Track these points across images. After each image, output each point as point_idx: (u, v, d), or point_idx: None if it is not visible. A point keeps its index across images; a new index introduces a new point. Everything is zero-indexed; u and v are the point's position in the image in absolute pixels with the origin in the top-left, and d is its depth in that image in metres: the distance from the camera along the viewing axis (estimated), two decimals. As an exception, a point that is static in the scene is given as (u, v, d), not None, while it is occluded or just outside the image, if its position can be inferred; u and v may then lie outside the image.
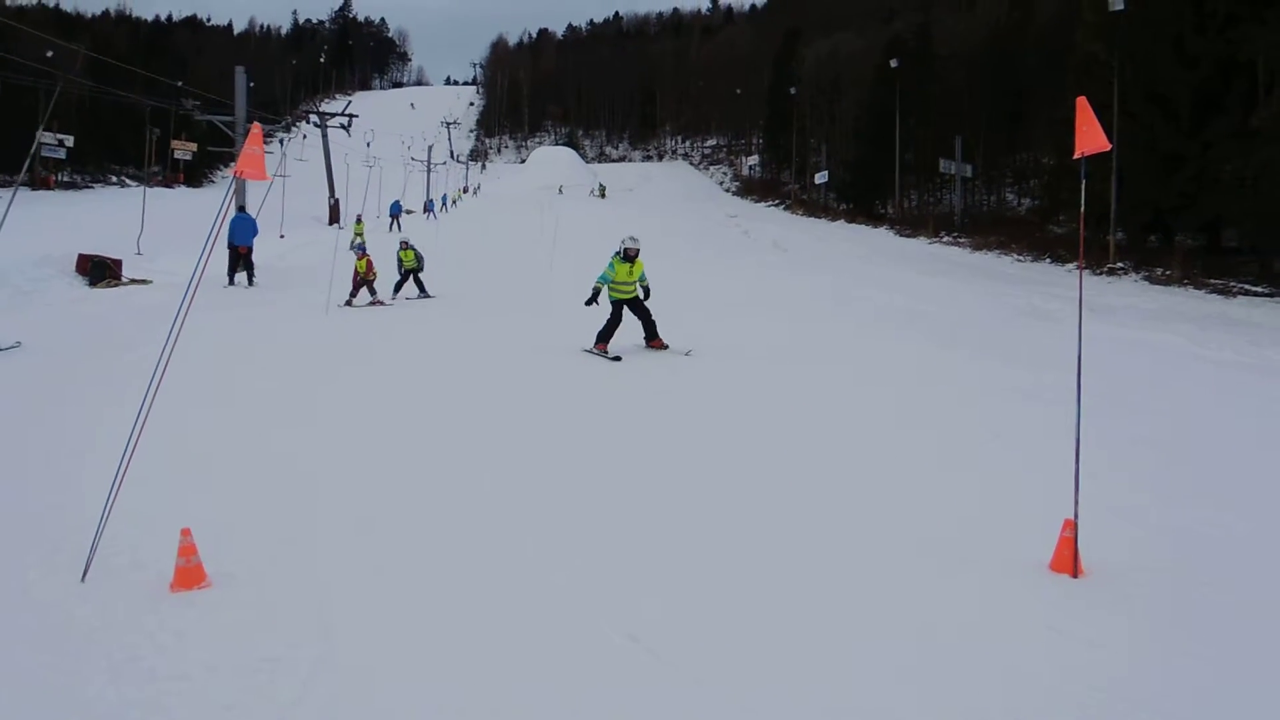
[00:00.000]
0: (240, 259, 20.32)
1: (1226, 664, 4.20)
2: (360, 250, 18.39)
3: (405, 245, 19.24)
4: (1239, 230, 27.86)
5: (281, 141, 54.50)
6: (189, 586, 4.87)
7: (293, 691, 3.95)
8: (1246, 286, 24.09)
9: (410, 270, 18.94)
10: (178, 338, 5.09)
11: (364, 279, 17.88)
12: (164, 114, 48.38)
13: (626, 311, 12.35)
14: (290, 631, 4.44)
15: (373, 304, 17.76)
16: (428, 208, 55.63)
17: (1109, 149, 5.10)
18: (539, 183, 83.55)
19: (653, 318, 12.46)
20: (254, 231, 20.73)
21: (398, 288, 18.78)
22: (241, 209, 21.82)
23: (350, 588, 4.93)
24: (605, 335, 12.15)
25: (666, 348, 12.30)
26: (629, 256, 12.35)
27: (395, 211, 44.64)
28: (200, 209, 21.88)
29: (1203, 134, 27.18)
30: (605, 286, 12.33)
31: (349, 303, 17.52)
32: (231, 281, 20.21)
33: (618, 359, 11.78)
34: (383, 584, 4.99)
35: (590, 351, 12.08)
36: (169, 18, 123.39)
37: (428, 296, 18.84)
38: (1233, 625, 4.58)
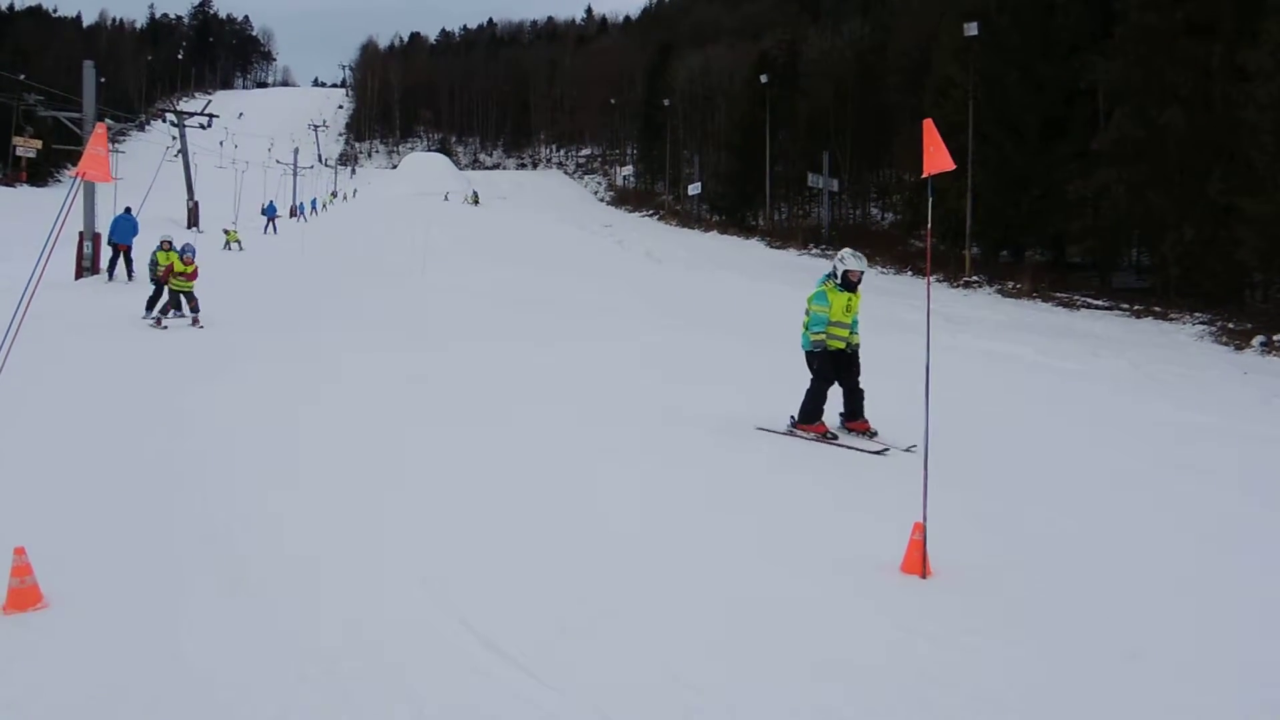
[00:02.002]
0: (120, 255, 21.42)
1: (1060, 657, 4.44)
2: (168, 244, 15.55)
3: (167, 246, 15.75)
4: (1081, 247, 29.64)
5: (115, 142, 51.55)
6: (23, 608, 4.60)
7: (134, 718, 3.78)
8: (1089, 300, 25.65)
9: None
10: (12, 344, 4.82)
11: (176, 291, 14.93)
12: (5, 109, 45.58)
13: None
14: (135, 656, 4.23)
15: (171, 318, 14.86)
16: (298, 210, 54.38)
17: (954, 169, 5.38)
18: (411, 188, 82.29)
19: (860, 384, 8.65)
20: (135, 231, 21.70)
21: (154, 303, 15.24)
22: (127, 210, 22.34)
23: (200, 608, 4.73)
24: (817, 408, 8.46)
25: (874, 435, 8.45)
26: (849, 284, 8.60)
27: (271, 213, 44.05)
28: (44, 208, 20.71)
29: (1048, 155, 28.86)
30: (812, 332, 8.55)
31: (159, 321, 14.76)
32: (111, 277, 21.30)
33: (910, 449, 7.91)
34: (235, 603, 4.82)
35: (799, 436, 8.50)
36: (10, 7, 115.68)
37: (194, 318, 14.93)
38: (1066, 620, 4.86)
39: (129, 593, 4.86)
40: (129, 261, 21.39)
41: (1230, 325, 20.92)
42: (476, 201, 77.22)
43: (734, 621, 4.75)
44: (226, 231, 32.85)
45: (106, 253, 22.06)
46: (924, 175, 5.40)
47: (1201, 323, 21.68)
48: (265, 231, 40.79)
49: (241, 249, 30.94)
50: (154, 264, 15.83)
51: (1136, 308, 24.00)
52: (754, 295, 23.99)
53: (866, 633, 4.64)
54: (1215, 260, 22.78)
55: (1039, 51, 29.39)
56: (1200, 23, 22.92)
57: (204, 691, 3.97)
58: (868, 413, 8.55)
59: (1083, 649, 4.50)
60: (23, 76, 41.33)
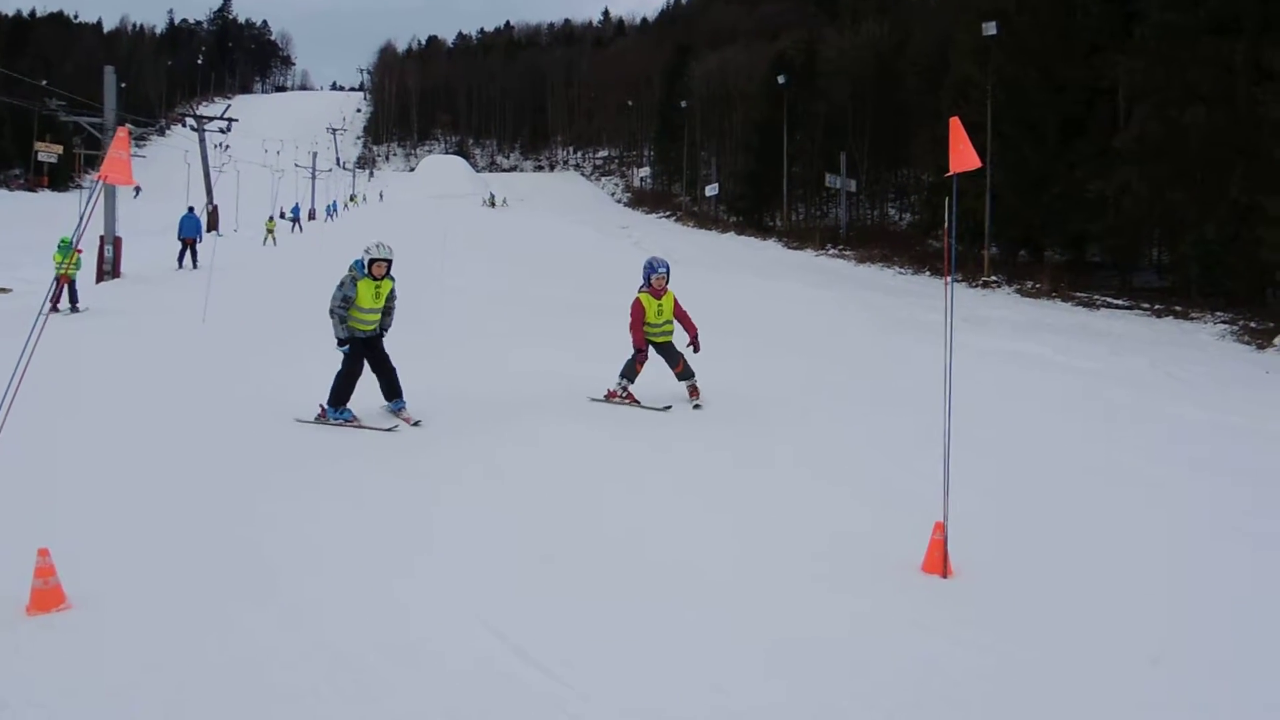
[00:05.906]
0: (187, 249, 25.08)
1: (1083, 661, 4.40)
2: (383, 267, 8.55)
3: (381, 273, 8.57)
4: (1101, 246, 29.44)
5: (137, 145, 51.95)
6: (46, 609, 4.62)
7: (156, 718, 3.79)
8: (1109, 299, 25.47)
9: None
10: (34, 350, 4.85)
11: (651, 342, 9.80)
12: (26, 114, 46.08)
13: None
14: (156, 654, 4.25)
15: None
16: (327, 212, 57.54)
17: (980, 166, 5.34)
18: (429, 191, 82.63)
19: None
20: (198, 226, 25.65)
21: (345, 392, 8.43)
22: (190, 209, 26.26)
23: (220, 609, 4.74)
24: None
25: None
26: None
27: (295, 214, 49.07)
28: (65, 214, 20.93)
29: (1068, 155, 28.67)
30: None
31: (626, 392, 9.61)
32: (180, 266, 24.61)
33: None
34: (256, 605, 4.82)
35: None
36: (32, 13, 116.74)
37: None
38: (1087, 619, 4.81)
39: (152, 594, 4.87)
40: (194, 254, 24.97)
41: (1252, 324, 20.74)
42: (494, 204, 77.45)
43: (759, 617, 4.73)
44: (268, 229, 37.58)
45: (127, 256, 23.77)
46: (949, 173, 5.36)
47: (1223, 322, 21.50)
48: (293, 231, 44.94)
49: (275, 244, 34.92)
50: (346, 302, 8.51)
51: (1157, 307, 23.81)
52: (772, 298, 23.92)
53: (888, 632, 4.62)
54: (1237, 259, 22.58)
55: (1059, 51, 29.19)
56: (1223, 21, 22.71)
57: (226, 692, 3.98)
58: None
59: (1105, 653, 4.46)
60: (44, 82, 41.72)
